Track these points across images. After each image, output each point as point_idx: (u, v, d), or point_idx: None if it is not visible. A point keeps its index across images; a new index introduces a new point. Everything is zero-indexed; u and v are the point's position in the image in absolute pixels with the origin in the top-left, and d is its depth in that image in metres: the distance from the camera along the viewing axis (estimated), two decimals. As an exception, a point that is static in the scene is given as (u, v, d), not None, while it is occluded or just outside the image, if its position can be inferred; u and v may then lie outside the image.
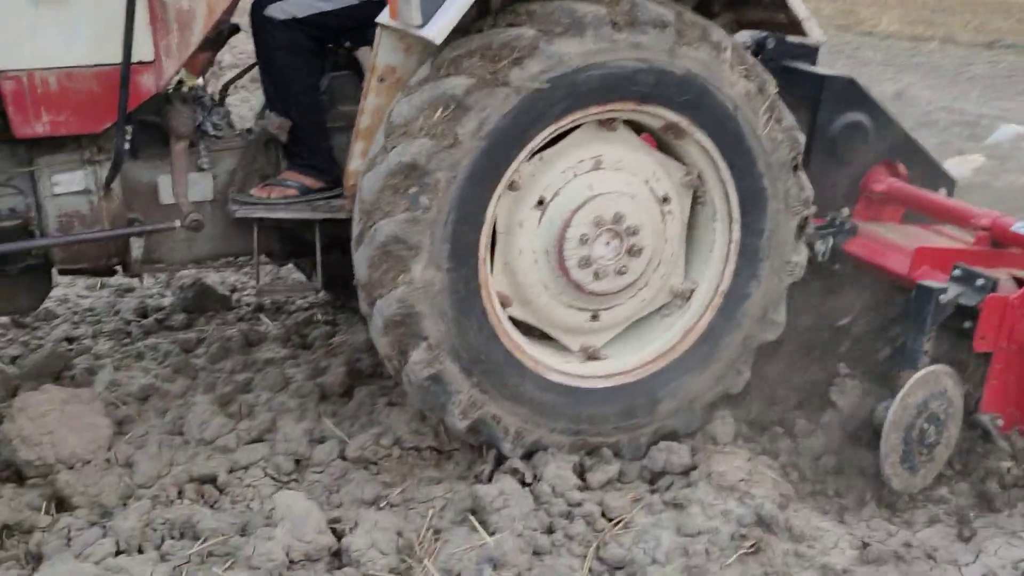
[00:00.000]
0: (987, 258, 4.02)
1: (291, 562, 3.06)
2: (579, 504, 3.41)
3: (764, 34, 4.69)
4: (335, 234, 3.80)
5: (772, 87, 3.63)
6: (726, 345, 3.80)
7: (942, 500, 3.71)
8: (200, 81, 4.07)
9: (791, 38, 4.75)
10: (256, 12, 3.84)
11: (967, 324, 3.73)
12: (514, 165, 3.36)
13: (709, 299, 3.80)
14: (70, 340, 4.88)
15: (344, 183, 3.74)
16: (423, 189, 3.22)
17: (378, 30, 3.51)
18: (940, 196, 4.45)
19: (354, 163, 3.63)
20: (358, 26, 3.78)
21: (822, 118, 4.46)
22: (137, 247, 3.74)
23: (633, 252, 3.59)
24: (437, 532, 3.31)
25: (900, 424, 3.54)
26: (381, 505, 3.44)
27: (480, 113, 3.22)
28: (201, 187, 3.88)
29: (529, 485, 3.48)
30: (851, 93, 4.47)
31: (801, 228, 3.82)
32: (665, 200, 3.68)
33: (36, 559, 3.13)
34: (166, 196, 3.81)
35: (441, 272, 3.31)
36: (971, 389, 3.80)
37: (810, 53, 4.77)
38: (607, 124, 3.55)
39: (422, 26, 3.26)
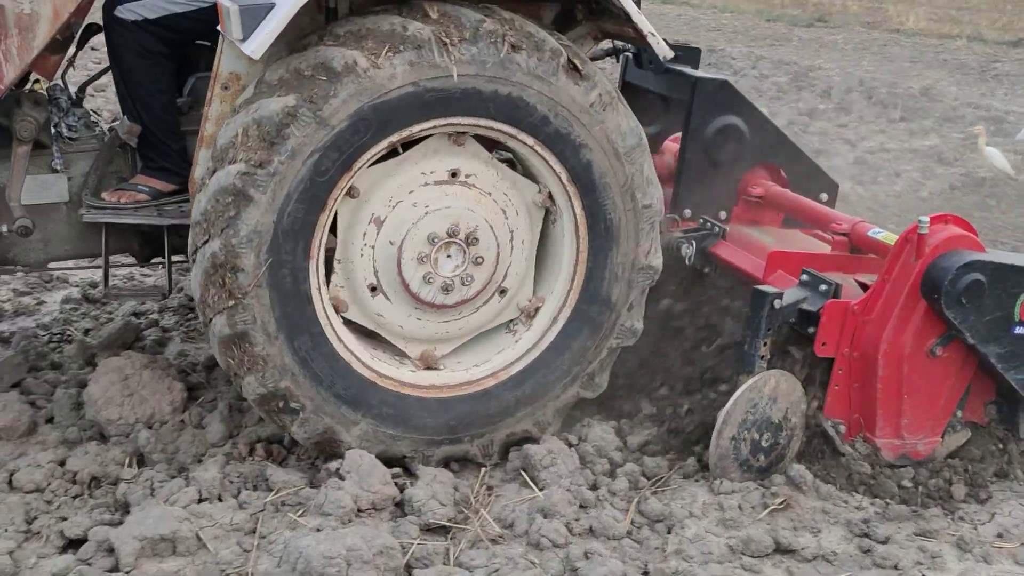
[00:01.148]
0: (842, 263, 4.02)
1: (359, 510, 3.35)
2: (621, 464, 3.78)
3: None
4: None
5: (610, 95, 3.62)
6: (578, 353, 3.82)
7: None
8: (59, 83, 4.07)
9: (672, 41, 4.75)
10: (107, 13, 3.86)
11: (811, 330, 3.70)
12: (343, 182, 3.39)
13: (557, 311, 3.82)
14: (137, 315, 5.15)
15: (190, 189, 3.74)
16: (240, 213, 3.25)
17: (220, 37, 3.52)
18: (806, 200, 4.43)
19: (199, 170, 3.66)
20: (212, 29, 3.78)
21: (695, 121, 4.46)
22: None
23: (477, 262, 3.65)
24: (490, 488, 3.66)
25: (728, 428, 3.53)
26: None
27: (294, 140, 3.24)
28: (56, 189, 3.92)
29: (575, 446, 3.82)
30: (724, 96, 4.47)
31: (654, 234, 3.82)
32: (514, 215, 3.74)
33: (123, 507, 3.43)
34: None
35: (270, 291, 3.34)
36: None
37: (692, 55, 4.75)
38: (457, 138, 3.58)
39: (243, 41, 3.24)
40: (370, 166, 3.47)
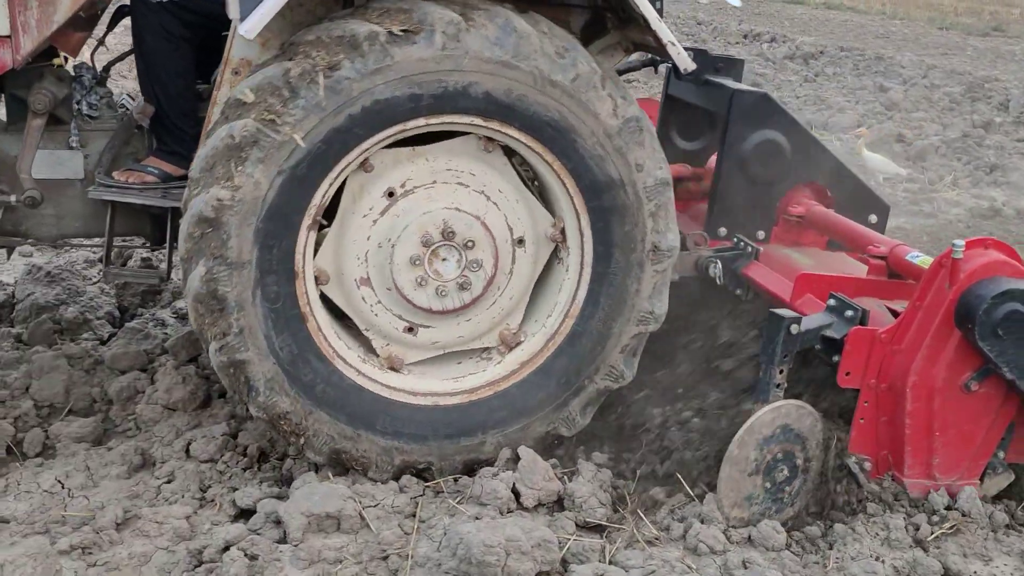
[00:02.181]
0: (877, 288, 3.78)
1: (518, 503, 3.43)
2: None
3: (685, 45, 4.49)
4: None
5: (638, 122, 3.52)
6: (556, 391, 3.69)
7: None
8: (87, 61, 4.10)
9: (716, 51, 4.57)
10: None
11: (836, 358, 3.47)
12: (322, 188, 3.34)
13: (540, 348, 3.70)
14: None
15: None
16: (223, 234, 3.23)
17: (233, 21, 3.48)
18: (847, 221, 4.18)
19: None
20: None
21: (732, 135, 4.27)
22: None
23: (465, 286, 3.57)
24: (645, 489, 3.64)
25: (739, 462, 3.31)
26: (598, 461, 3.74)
27: (266, 161, 3.20)
28: (71, 165, 3.93)
29: None
30: (763, 110, 4.28)
31: (661, 277, 3.67)
32: (520, 242, 3.65)
33: (288, 481, 3.60)
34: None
35: (259, 307, 3.32)
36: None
37: (734, 66, 4.54)
38: (487, 143, 3.53)
39: (240, 20, 3.19)
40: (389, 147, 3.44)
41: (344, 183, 3.46)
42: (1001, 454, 3.65)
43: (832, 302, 3.61)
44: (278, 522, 3.28)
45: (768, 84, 13.77)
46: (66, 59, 3.97)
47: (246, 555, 3.11)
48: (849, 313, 3.53)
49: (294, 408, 3.43)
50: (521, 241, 3.65)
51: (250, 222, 3.23)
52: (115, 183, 3.84)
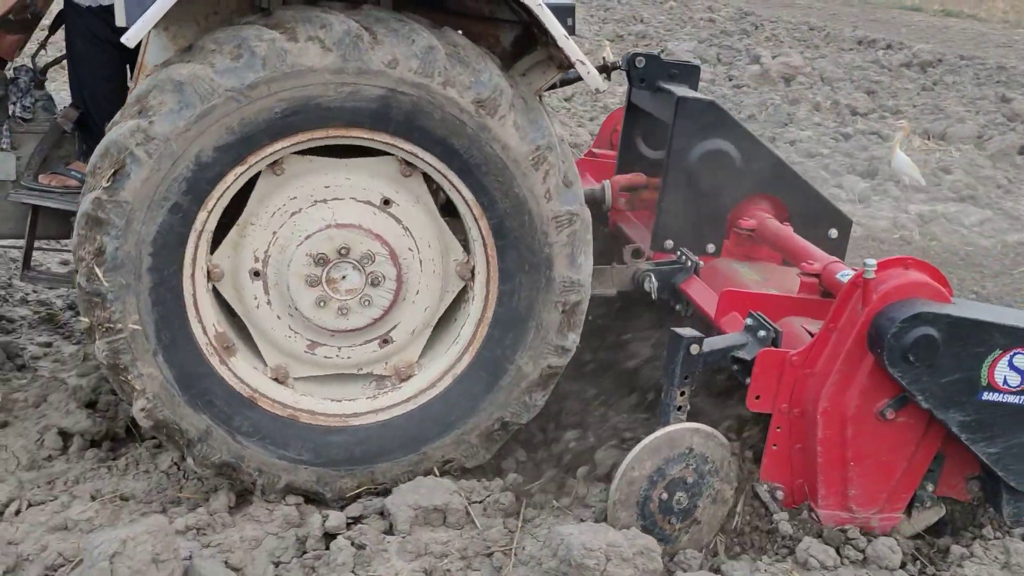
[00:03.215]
0: (803, 307, 3.60)
1: None
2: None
3: (636, 51, 4.37)
4: None
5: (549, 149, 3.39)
6: (453, 424, 3.59)
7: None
8: (27, 63, 4.15)
9: (670, 57, 4.44)
10: None
11: (748, 380, 3.32)
12: (212, 201, 3.30)
13: (437, 379, 3.63)
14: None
15: None
16: (112, 237, 3.22)
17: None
18: (793, 236, 3.99)
19: None
20: None
21: (676, 144, 4.12)
22: None
23: (365, 303, 3.49)
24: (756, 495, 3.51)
25: (628, 497, 3.19)
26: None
27: (147, 167, 3.16)
28: (2, 167, 3.96)
29: None
30: (710, 117, 4.12)
31: (570, 314, 3.53)
32: (430, 271, 3.59)
33: None
34: None
35: (148, 317, 3.29)
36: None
37: (689, 74, 4.39)
38: (404, 168, 3.46)
39: (127, 28, 3.18)
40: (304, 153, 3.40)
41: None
42: (930, 487, 3.45)
43: (749, 321, 3.45)
44: (382, 514, 3.41)
45: (884, 91, 13.46)
46: (2, 63, 4.01)
47: (353, 544, 3.24)
48: (762, 333, 3.36)
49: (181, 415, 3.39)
50: (432, 270, 3.57)
51: (135, 222, 3.20)
52: (36, 187, 3.88)
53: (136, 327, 3.26)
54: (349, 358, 3.62)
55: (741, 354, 3.36)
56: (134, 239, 3.21)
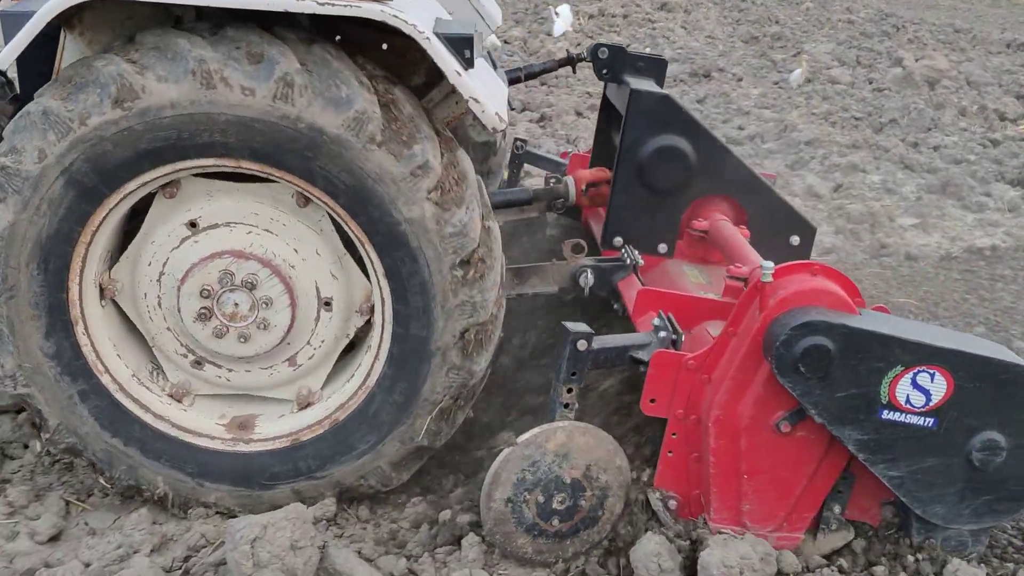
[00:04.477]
0: (723, 311, 3.44)
1: None
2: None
3: (599, 42, 4.27)
4: None
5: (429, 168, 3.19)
6: (356, 451, 3.52)
7: None
8: None
9: (637, 50, 4.32)
10: None
11: (648, 382, 3.22)
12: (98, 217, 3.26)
13: (336, 408, 3.55)
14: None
15: None
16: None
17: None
18: (736, 238, 3.83)
19: None
20: None
21: (628, 138, 4.00)
22: None
23: (262, 325, 3.46)
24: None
25: (500, 489, 3.11)
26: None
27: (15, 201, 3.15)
28: None
29: None
30: (664, 112, 3.97)
31: (466, 336, 3.38)
32: (327, 305, 3.50)
33: None
34: None
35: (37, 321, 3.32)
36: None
37: (655, 67, 4.26)
38: (301, 200, 3.37)
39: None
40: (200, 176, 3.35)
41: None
42: (837, 508, 3.27)
43: (656, 321, 3.32)
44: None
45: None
46: None
47: (484, 541, 3.27)
48: (663, 334, 3.23)
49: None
50: (328, 304, 3.50)
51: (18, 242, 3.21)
52: None
53: None
54: (246, 382, 3.63)
55: (640, 355, 3.24)
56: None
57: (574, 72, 4.59)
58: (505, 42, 13.86)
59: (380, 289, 3.37)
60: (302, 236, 3.42)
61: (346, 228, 3.29)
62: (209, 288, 3.37)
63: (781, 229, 4.14)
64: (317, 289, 3.46)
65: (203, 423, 3.55)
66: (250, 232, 3.39)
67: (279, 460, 3.51)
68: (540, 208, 4.68)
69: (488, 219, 3.41)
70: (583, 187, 4.42)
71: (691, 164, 4.04)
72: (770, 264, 3.07)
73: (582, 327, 3.19)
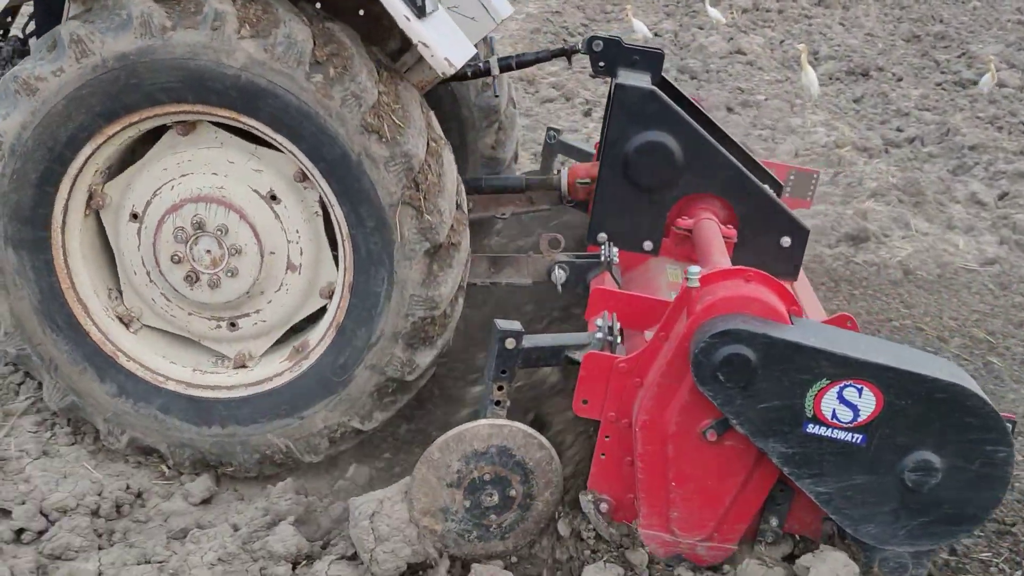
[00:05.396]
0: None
1: None
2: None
3: (595, 34, 4.23)
4: None
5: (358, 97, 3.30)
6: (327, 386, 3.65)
7: None
8: (19, 35, 4.45)
9: (631, 43, 4.27)
10: None
11: (586, 383, 3.20)
12: (78, 163, 3.49)
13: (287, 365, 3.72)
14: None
15: None
16: None
17: None
18: (712, 239, 3.75)
19: None
20: None
21: (612, 134, 3.96)
22: None
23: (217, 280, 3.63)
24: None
25: (439, 467, 3.15)
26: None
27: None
28: None
29: None
30: (649, 108, 3.92)
31: (416, 327, 3.52)
32: (295, 269, 3.66)
33: None
34: None
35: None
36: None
37: (651, 60, 4.19)
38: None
39: None
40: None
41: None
42: (774, 521, 3.20)
43: (598, 321, 3.29)
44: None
45: None
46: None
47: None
48: (599, 336, 3.21)
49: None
50: (297, 269, 3.66)
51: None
52: None
53: None
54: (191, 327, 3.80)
55: (574, 355, 3.22)
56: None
57: (569, 64, 4.55)
58: (656, 35, 13.74)
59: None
60: (290, 208, 3.57)
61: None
62: (196, 227, 3.55)
63: (771, 229, 4.04)
64: (288, 261, 3.61)
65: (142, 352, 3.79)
66: (247, 191, 3.56)
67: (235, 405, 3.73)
68: (552, 199, 4.68)
69: (440, 147, 3.52)
70: (575, 181, 4.40)
71: (677, 161, 3.97)
72: (696, 269, 3.01)
73: (512, 325, 3.20)
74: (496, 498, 3.19)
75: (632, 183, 4.01)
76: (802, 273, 4.47)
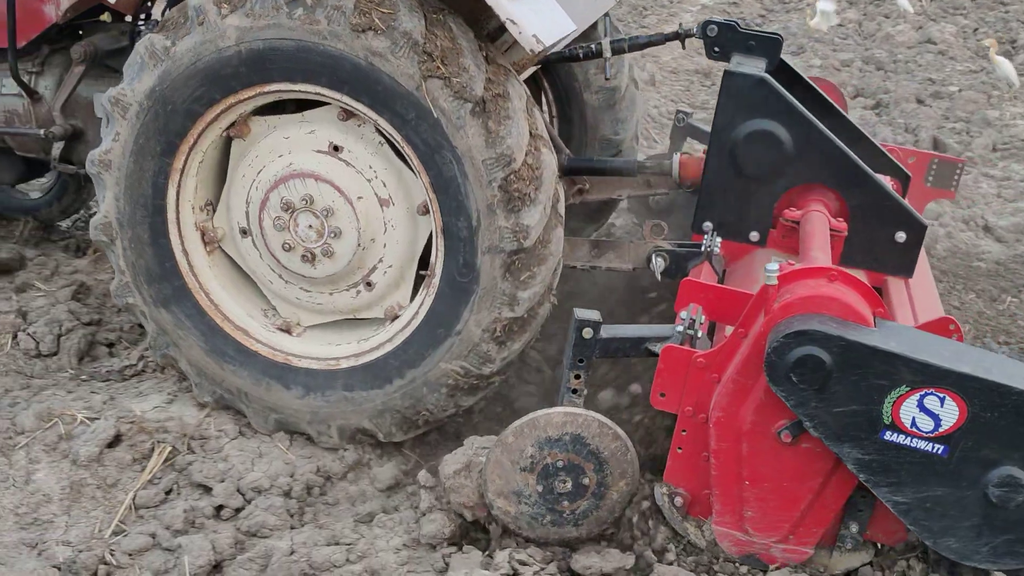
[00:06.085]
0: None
1: None
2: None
3: (710, 19, 4.16)
4: None
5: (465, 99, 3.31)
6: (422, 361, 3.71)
7: None
8: (156, 18, 4.70)
9: (748, 28, 4.17)
10: None
11: (667, 376, 3.21)
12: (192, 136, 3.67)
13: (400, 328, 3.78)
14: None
15: None
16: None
17: None
18: (817, 232, 3.64)
19: None
20: None
21: (720, 121, 3.89)
22: (56, 148, 4.54)
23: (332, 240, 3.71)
24: None
25: (512, 451, 3.21)
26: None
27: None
28: None
29: None
30: (759, 95, 3.82)
31: (509, 269, 3.48)
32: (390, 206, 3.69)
33: None
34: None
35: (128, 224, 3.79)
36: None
37: (769, 46, 4.09)
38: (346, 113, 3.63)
39: None
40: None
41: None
42: (855, 527, 3.11)
43: (683, 314, 3.26)
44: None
45: None
46: (113, 16, 4.58)
47: None
48: (680, 329, 3.18)
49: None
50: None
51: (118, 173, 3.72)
52: None
53: None
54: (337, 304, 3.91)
55: (655, 347, 3.20)
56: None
57: (683, 47, 4.45)
58: (840, 24, 13.32)
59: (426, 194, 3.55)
60: (354, 151, 3.64)
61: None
62: (287, 208, 3.68)
63: (885, 223, 3.88)
64: (379, 199, 3.66)
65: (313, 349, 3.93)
66: (311, 153, 3.66)
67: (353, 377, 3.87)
68: (669, 184, 4.64)
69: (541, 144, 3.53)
70: (685, 167, 4.34)
71: (786, 151, 3.86)
72: (775, 266, 2.94)
73: (591, 314, 3.20)
74: (569, 485, 3.22)
75: (739, 172, 3.92)
76: (925, 270, 4.30)
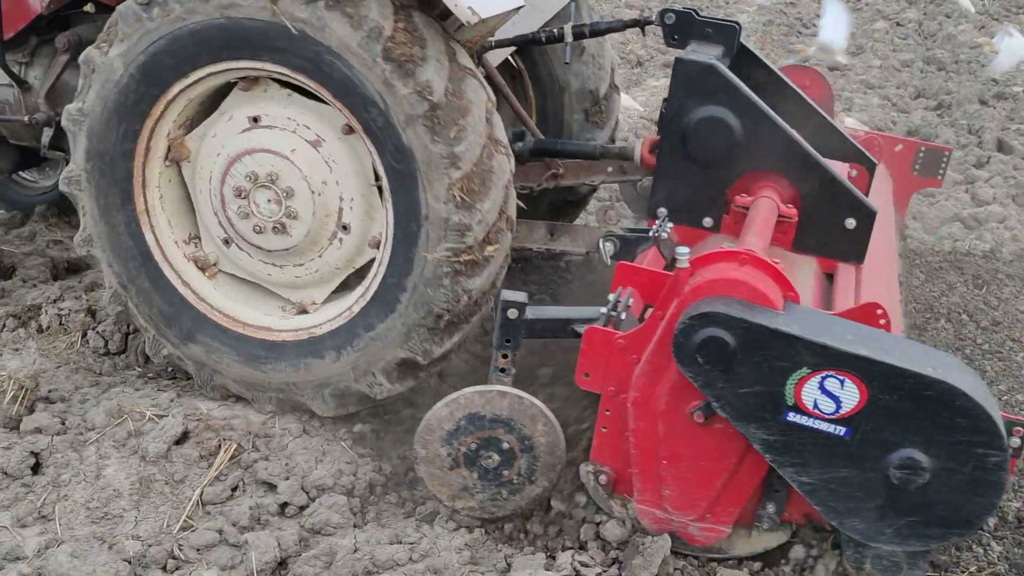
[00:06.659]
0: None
1: None
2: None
3: (667, 7, 4.21)
4: None
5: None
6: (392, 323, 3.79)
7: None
8: None
9: (705, 16, 4.22)
10: None
11: (591, 356, 3.28)
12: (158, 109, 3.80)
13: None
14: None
15: None
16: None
17: None
18: (757, 217, 3.69)
19: None
20: None
21: (671, 107, 3.95)
22: (46, 135, 4.71)
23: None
24: None
25: (432, 461, 3.34)
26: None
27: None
28: None
29: None
30: (709, 82, 3.87)
31: (453, 264, 3.57)
32: (345, 229, 3.81)
33: None
34: None
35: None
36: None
37: (725, 33, 4.13)
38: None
39: None
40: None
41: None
42: (772, 507, 3.17)
43: (611, 296, 3.33)
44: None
45: None
46: (97, 7, 4.73)
47: None
48: (603, 310, 3.26)
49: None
50: (346, 228, 3.83)
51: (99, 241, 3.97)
52: None
53: None
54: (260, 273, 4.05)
55: (580, 328, 3.27)
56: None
57: (643, 34, 4.50)
58: (898, 24, 13.15)
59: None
60: (342, 165, 3.74)
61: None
62: (251, 179, 3.79)
63: (835, 210, 3.91)
64: (339, 212, 3.78)
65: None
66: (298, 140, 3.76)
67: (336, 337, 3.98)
68: (635, 170, 4.69)
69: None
70: (648, 149, 4.40)
71: (736, 137, 3.91)
72: (685, 249, 3.00)
73: (516, 296, 3.29)
74: (497, 457, 3.31)
75: (691, 158, 3.98)
76: (887, 258, 4.32)
